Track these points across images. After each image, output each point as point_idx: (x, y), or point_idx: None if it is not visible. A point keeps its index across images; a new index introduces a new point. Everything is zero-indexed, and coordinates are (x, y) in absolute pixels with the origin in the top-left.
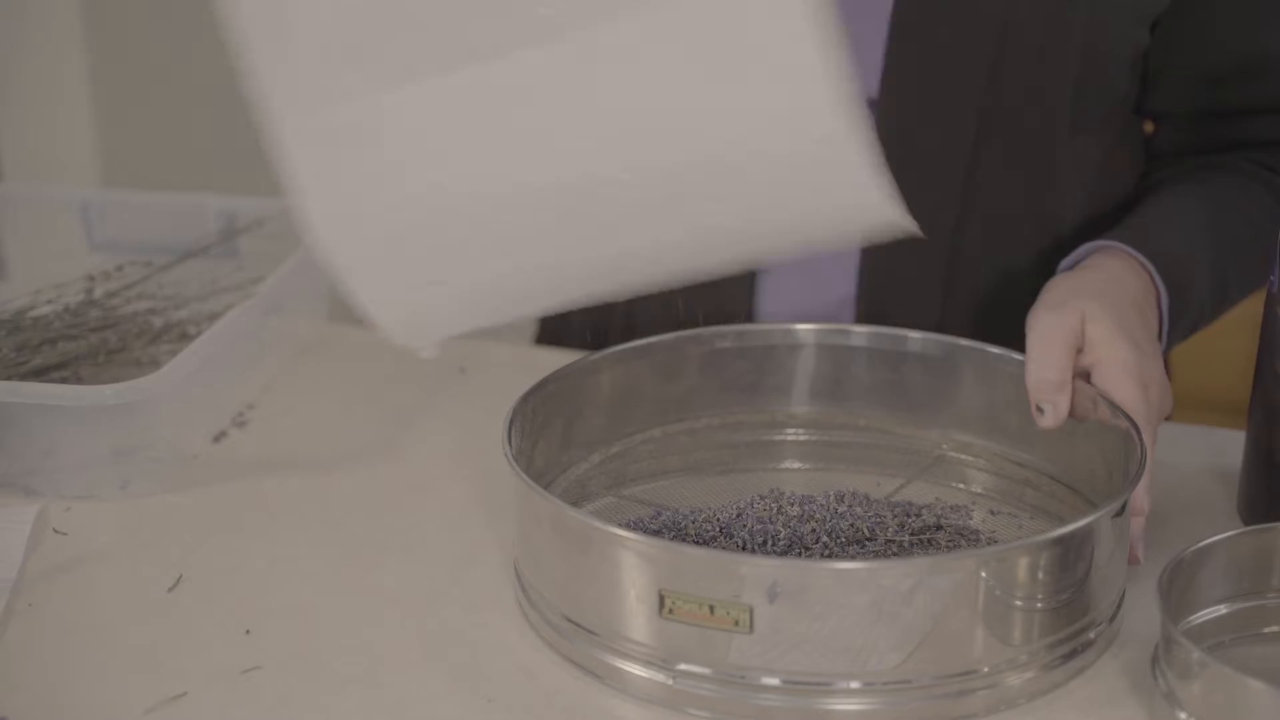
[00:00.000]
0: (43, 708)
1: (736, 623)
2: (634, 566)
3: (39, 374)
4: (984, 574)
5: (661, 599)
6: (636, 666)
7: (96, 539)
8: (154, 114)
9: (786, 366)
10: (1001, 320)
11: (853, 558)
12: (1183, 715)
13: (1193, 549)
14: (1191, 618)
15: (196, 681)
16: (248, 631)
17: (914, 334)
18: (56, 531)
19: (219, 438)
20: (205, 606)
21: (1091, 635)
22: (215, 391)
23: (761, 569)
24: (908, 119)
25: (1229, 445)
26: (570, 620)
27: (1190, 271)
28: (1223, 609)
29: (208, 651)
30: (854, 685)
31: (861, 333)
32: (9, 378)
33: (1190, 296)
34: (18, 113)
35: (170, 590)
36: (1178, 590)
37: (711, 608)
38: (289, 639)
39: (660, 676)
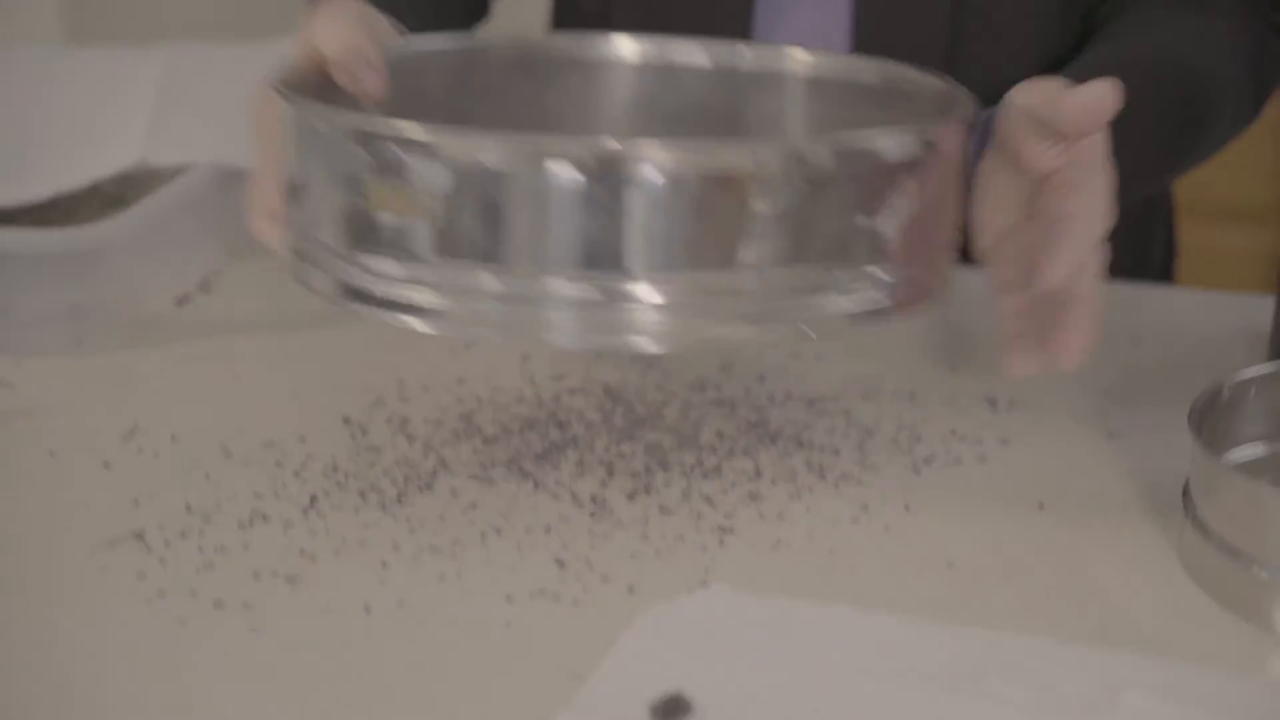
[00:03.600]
0: None
1: None
2: None
3: None
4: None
5: None
6: None
7: (47, 392)
8: None
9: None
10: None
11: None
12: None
13: (1232, 380)
14: (1229, 453)
15: (151, 523)
16: (207, 476)
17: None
18: (2, 384)
19: (182, 301)
20: (163, 453)
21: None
22: (178, 248)
23: None
24: None
25: (1257, 310)
26: None
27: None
28: (1260, 447)
29: (164, 494)
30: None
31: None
32: None
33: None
34: None
35: (125, 438)
36: (1212, 423)
37: None
38: (248, 483)
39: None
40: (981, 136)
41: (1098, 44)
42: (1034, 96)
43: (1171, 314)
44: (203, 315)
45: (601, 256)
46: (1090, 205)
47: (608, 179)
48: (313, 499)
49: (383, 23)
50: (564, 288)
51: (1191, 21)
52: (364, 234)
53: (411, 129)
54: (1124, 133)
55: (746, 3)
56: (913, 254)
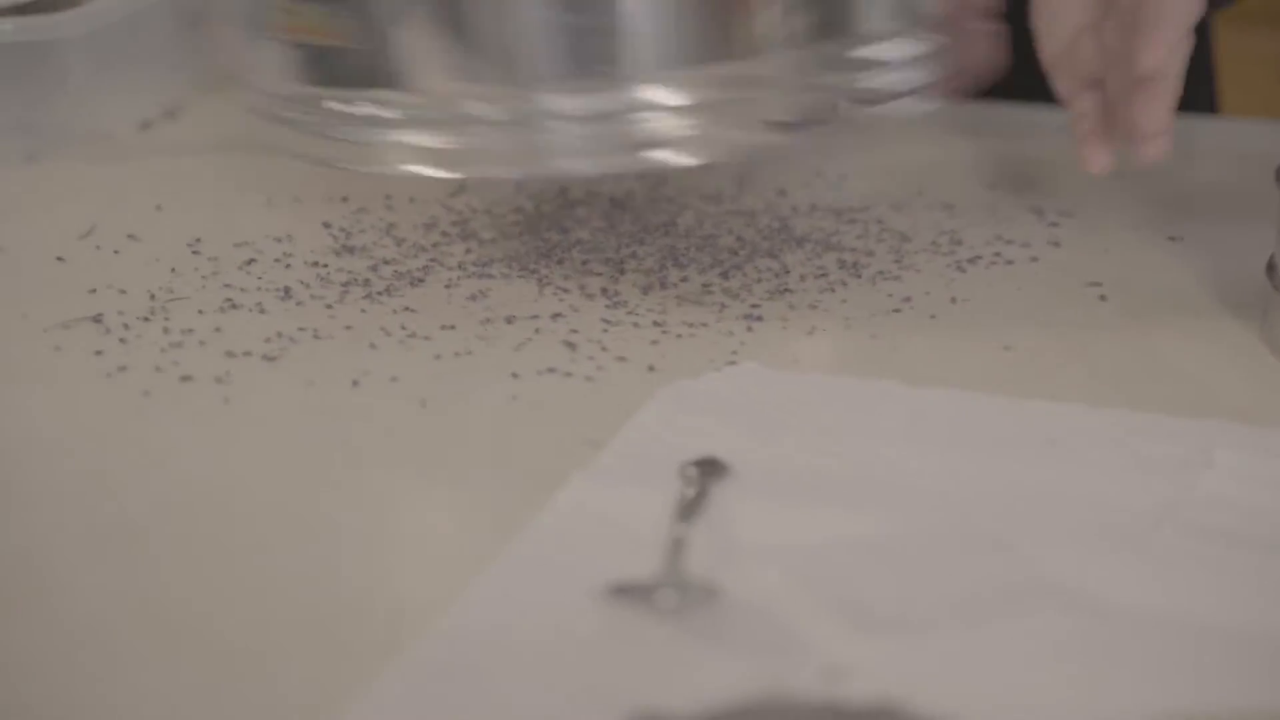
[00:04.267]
0: None
1: None
2: None
3: None
4: None
5: None
6: None
7: None
8: None
9: None
10: None
11: None
12: None
13: None
14: None
15: (111, 309)
16: (172, 269)
17: None
18: None
19: (145, 125)
20: (123, 250)
21: None
22: (139, 62)
23: None
24: None
25: None
26: None
27: None
28: None
29: (124, 284)
30: None
31: None
32: None
33: None
34: None
35: (82, 238)
36: None
37: None
38: (218, 276)
39: None
40: None
41: None
42: None
43: (1222, 139)
44: (168, 138)
45: (595, 59)
46: None
47: None
48: (288, 289)
49: None
50: (559, 104)
51: None
52: (324, 72)
53: None
54: None
55: None
56: (951, 13)
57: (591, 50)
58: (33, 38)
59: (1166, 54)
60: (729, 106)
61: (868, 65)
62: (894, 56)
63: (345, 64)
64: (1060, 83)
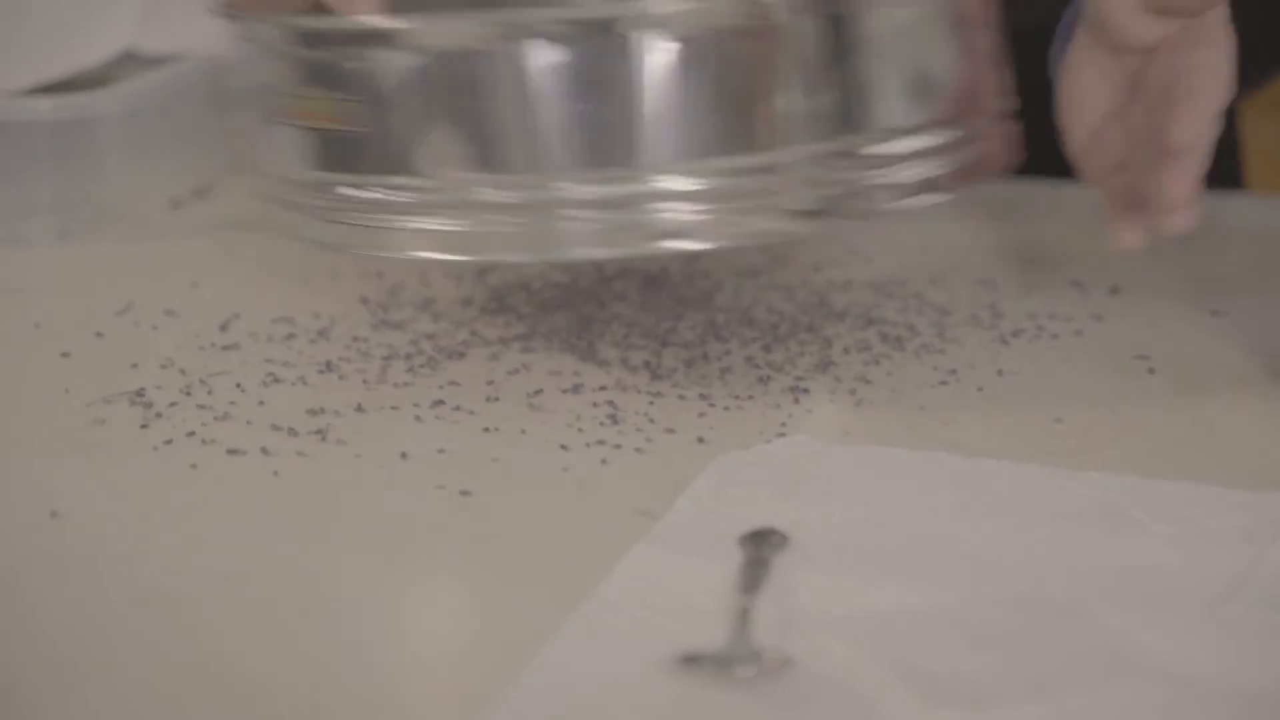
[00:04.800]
0: None
1: None
2: None
3: None
4: None
5: None
6: None
7: (30, 273)
8: None
9: None
10: None
11: None
12: None
13: None
14: None
15: (151, 384)
16: (212, 343)
17: None
18: None
19: (176, 205)
20: (161, 325)
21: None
22: (171, 141)
23: None
24: None
25: None
26: None
27: None
28: None
29: (165, 359)
30: None
31: None
32: None
33: None
34: None
35: (120, 314)
36: None
37: None
38: (258, 351)
39: None
40: (1065, 34)
41: None
42: None
43: (1253, 217)
44: (199, 217)
45: (610, 150)
46: (1213, 63)
47: (601, 52)
48: (329, 363)
49: None
50: (574, 191)
51: None
52: (336, 158)
53: (368, 20)
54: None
55: None
56: (965, 109)
57: (608, 141)
58: (68, 116)
59: (1197, 129)
60: (744, 196)
61: (883, 160)
62: (909, 150)
63: (357, 150)
64: (1088, 169)
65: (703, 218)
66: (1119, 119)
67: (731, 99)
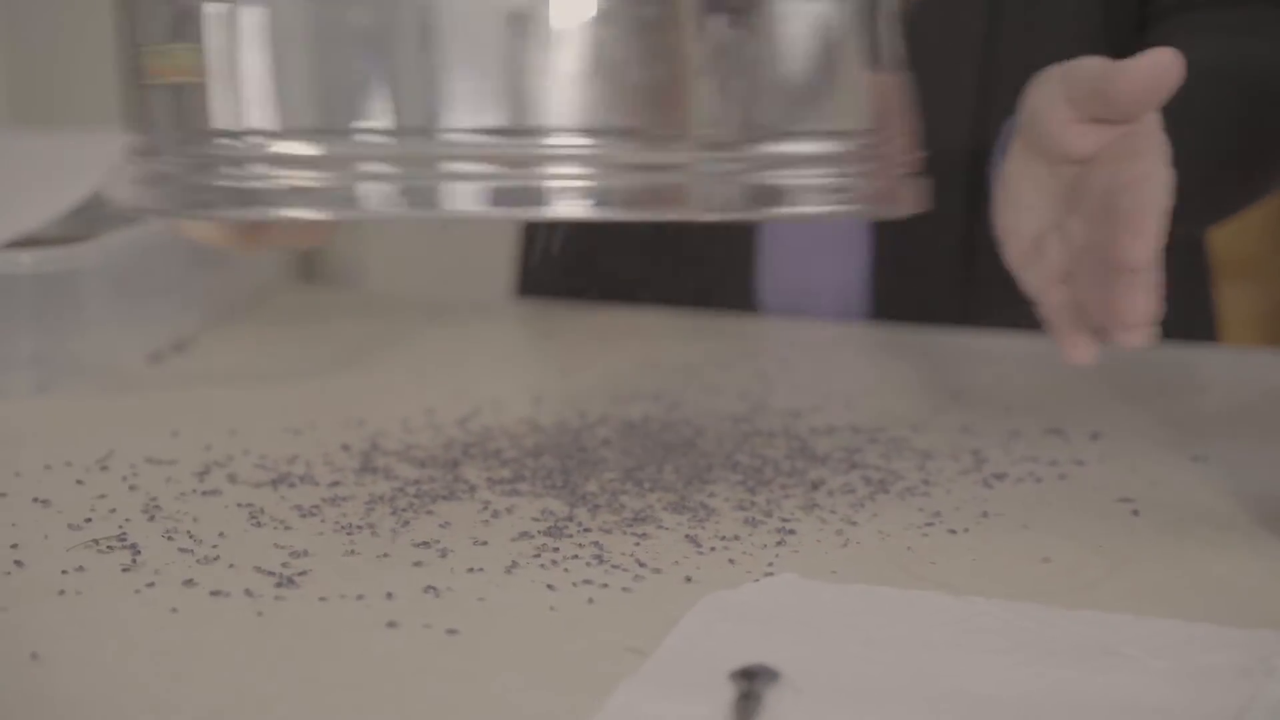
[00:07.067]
0: None
1: None
2: None
3: None
4: None
5: None
6: None
7: (7, 425)
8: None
9: None
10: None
11: None
12: None
13: None
14: None
15: (133, 527)
16: (194, 489)
17: None
18: None
19: (155, 358)
20: (142, 472)
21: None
22: (150, 295)
23: None
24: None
25: None
26: None
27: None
28: None
29: (145, 505)
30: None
31: None
32: None
33: None
34: None
35: (99, 462)
36: None
37: None
38: (239, 495)
39: None
40: (1004, 147)
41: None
42: (1080, 71)
43: (1231, 369)
44: (178, 370)
45: (504, 108)
46: (1154, 172)
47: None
48: (314, 507)
49: None
50: (460, 148)
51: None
52: (209, 109)
53: None
54: (1182, 140)
55: None
56: (873, 129)
57: (494, 98)
58: (49, 269)
59: (1146, 245)
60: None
61: (787, 162)
62: (809, 153)
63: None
64: (1028, 281)
65: (593, 184)
66: (1058, 230)
67: (634, 102)
